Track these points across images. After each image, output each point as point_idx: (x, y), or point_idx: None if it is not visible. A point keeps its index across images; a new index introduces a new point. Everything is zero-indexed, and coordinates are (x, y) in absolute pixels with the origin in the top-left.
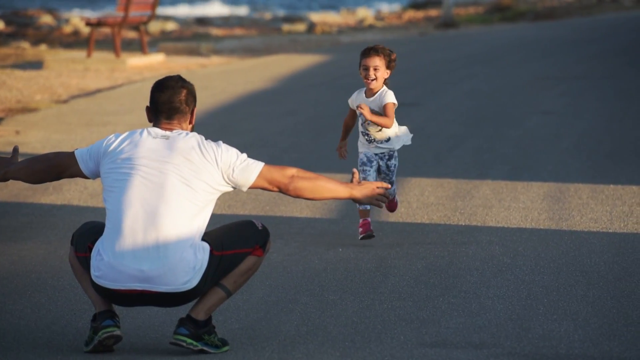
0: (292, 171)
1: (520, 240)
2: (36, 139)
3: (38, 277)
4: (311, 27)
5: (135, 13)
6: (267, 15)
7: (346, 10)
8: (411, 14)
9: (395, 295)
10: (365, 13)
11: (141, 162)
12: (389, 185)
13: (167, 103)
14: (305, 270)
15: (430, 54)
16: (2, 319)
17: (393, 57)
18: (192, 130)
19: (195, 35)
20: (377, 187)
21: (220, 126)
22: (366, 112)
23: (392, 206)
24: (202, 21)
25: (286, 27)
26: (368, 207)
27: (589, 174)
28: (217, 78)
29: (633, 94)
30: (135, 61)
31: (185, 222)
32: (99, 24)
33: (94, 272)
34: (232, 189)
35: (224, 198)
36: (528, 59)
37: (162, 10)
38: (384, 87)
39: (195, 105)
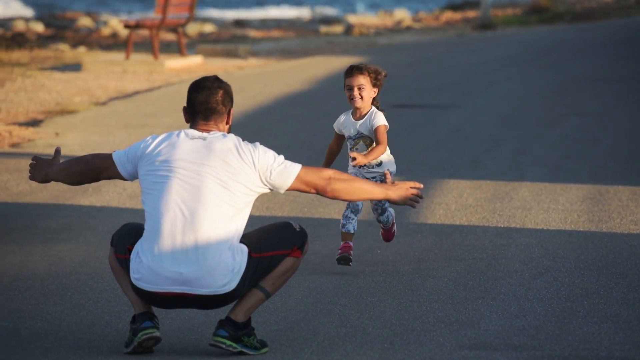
0: (329, 173)
1: (560, 242)
2: (75, 141)
3: (77, 278)
4: (349, 28)
5: (173, 15)
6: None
7: (384, 12)
8: (449, 15)
9: (434, 297)
10: (402, 14)
11: (179, 164)
12: (421, 185)
13: (203, 103)
14: (343, 272)
15: (467, 55)
16: (42, 320)
17: (381, 75)
18: (229, 130)
19: (233, 37)
20: (411, 187)
21: (257, 128)
22: (361, 160)
23: (388, 235)
24: (239, 23)
25: (324, 28)
26: (352, 230)
27: (628, 175)
28: (254, 80)
29: None
30: (173, 63)
31: (223, 225)
32: (137, 26)
33: (133, 275)
34: (269, 191)
35: (262, 200)
36: (565, 60)
37: (206, 13)
38: (373, 107)
39: (232, 106)
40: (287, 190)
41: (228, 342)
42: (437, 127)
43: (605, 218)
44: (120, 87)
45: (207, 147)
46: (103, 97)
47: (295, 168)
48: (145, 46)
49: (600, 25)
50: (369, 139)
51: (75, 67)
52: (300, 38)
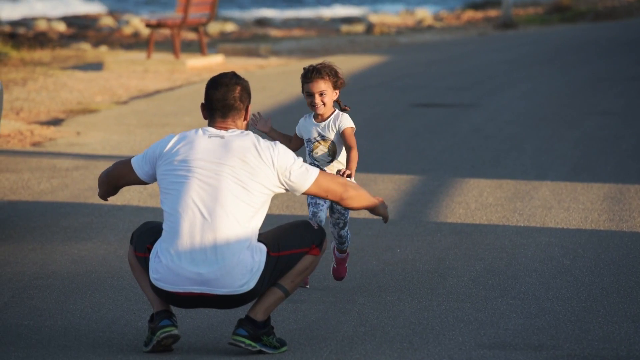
0: (342, 180)
1: (580, 241)
2: (96, 140)
3: (98, 277)
4: (370, 27)
5: (194, 14)
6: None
7: (405, 11)
8: (470, 14)
9: (453, 296)
10: (424, 13)
11: (197, 164)
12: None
13: (221, 100)
14: (362, 271)
15: (488, 54)
16: (63, 319)
17: (340, 75)
18: (247, 127)
19: (254, 37)
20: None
21: (278, 127)
22: (352, 173)
23: (340, 270)
24: (261, 22)
25: (345, 27)
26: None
27: None
28: (275, 79)
29: None
30: (195, 62)
31: (242, 225)
32: (158, 25)
33: (152, 275)
34: (284, 191)
35: (282, 198)
36: (586, 59)
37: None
38: (335, 109)
39: (249, 102)
40: (303, 193)
41: (247, 341)
42: (458, 126)
43: (626, 217)
44: (141, 86)
45: (225, 146)
46: (124, 96)
47: (315, 172)
48: (167, 45)
49: (623, 24)
50: (330, 142)
51: (97, 66)
52: (321, 37)
